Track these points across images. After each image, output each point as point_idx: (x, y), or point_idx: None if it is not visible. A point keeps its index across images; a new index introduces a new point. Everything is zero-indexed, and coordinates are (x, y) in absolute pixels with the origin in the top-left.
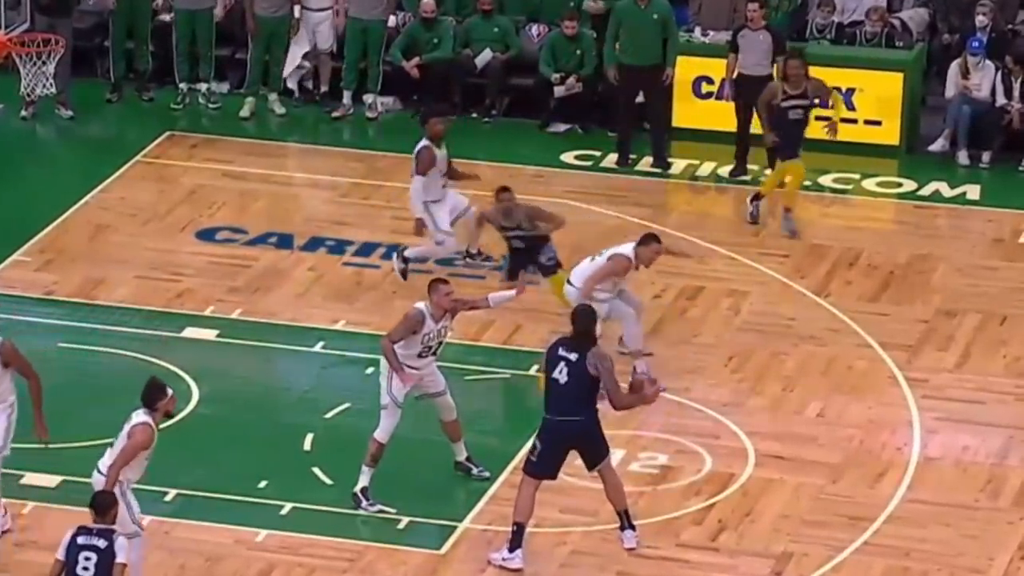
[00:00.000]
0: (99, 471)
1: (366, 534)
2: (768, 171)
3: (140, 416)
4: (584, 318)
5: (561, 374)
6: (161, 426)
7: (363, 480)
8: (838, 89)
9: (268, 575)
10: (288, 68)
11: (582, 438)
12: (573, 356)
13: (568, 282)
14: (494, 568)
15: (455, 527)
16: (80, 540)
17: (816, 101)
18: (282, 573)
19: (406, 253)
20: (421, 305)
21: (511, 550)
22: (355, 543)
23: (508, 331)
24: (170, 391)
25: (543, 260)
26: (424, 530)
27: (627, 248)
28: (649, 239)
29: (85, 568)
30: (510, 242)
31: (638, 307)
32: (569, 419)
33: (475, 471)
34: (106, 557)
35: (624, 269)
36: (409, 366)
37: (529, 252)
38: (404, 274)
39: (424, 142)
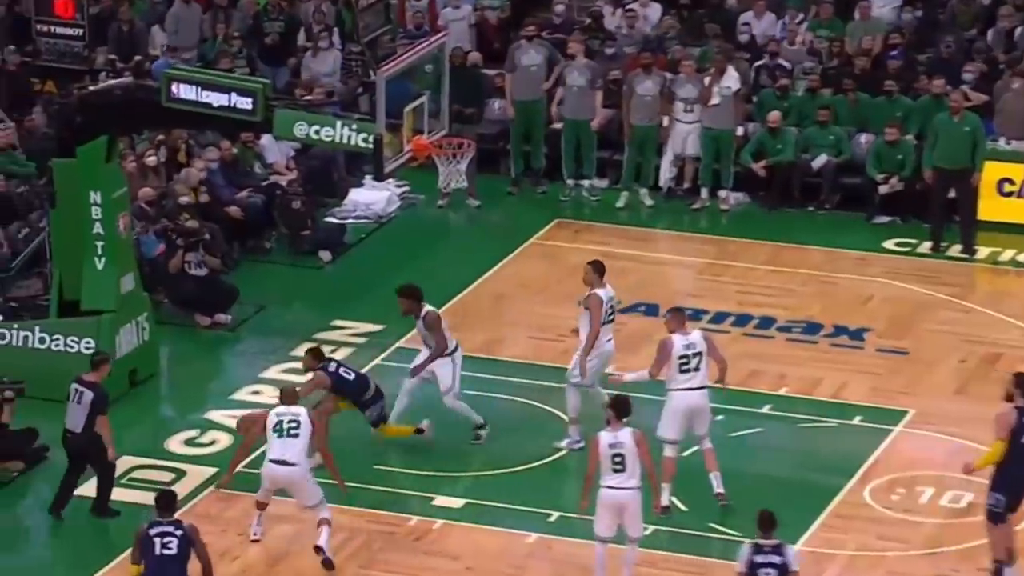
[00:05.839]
0: (633, 488)
1: (714, 552)
2: None
3: (628, 429)
4: None
5: None
6: (544, 460)
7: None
8: None
9: None
10: (663, 170)
11: None
12: None
13: None
14: None
15: None
16: (758, 559)
17: None
18: None
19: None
20: (674, 336)
21: None
22: (704, 559)
23: (836, 387)
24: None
25: None
26: None
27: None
28: None
29: None
30: None
31: None
32: None
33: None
34: (782, 569)
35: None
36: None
37: None
38: None
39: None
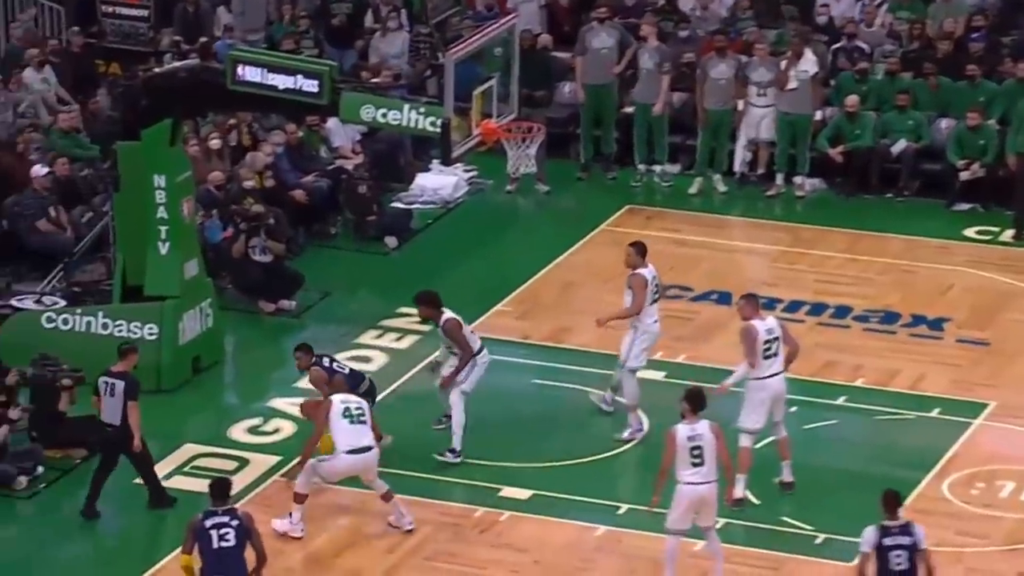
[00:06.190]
0: (713, 482)
1: (787, 547)
2: None
3: (706, 421)
4: None
5: None
6: (613, 451)
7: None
8: None
9: None
10: (737, 154)
11: None
12: None
13: None
14: None
15: None
16: (886, 541)
17: None
18: None
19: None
20: (754, 322)
21: None
22: (777, 554)
23: (914, 379)
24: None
25: None
26: (839, 545)
27: None
28: None
29: (899, 563)
30: None
31: None
32: None
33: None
34: (912, 550)
35: None
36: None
37: None
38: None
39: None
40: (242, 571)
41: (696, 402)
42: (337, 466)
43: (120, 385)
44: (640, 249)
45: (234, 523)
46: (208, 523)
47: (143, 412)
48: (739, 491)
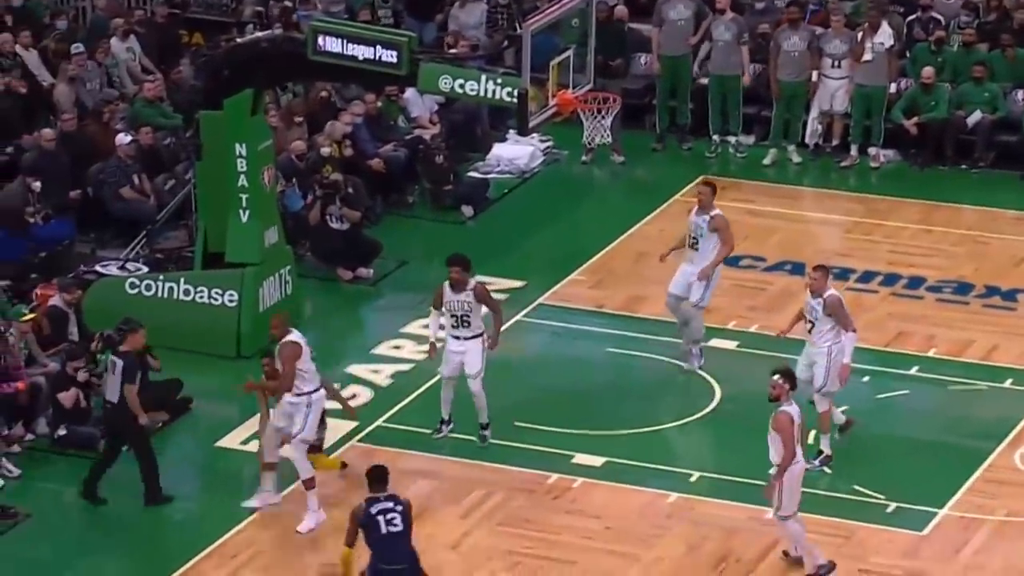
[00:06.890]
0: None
1: (858, 515)
2: None
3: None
4: None
5: None
6: (685, 419)
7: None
8: None
9: (773, 547)
10: (808, 126)
11: None
12: None
13: None
14: (969, 549)
15: (936, 513)
16: None
17: None
18: (782, 547)
19: None
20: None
21: None
22: (848, 522)
23: (987, 349)
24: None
25: None
26: (910, 514)
27: None
28: None
29: None
30: None
31: None
32: None
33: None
34: None
35: None
36: None
37: None
38: None
39: None
40: (412, 555)
41: (794, 380)
42: (311, 415)
43: (119, 365)
44: (714, 189)
45: (399, 508)
46: (374, 510)
47: (219, 378)
48: (827, 448)
